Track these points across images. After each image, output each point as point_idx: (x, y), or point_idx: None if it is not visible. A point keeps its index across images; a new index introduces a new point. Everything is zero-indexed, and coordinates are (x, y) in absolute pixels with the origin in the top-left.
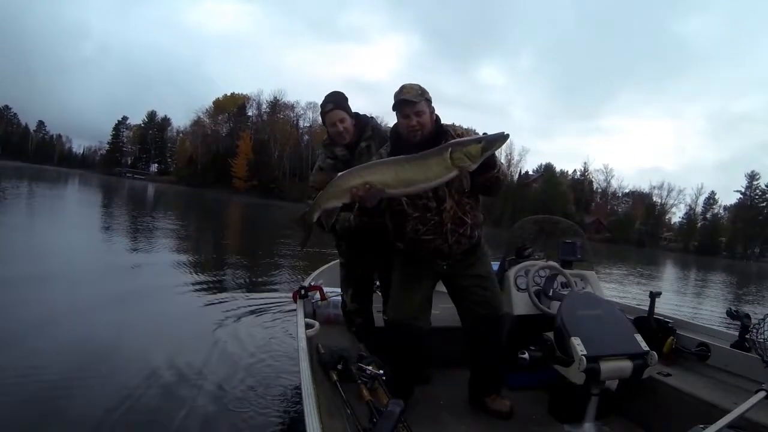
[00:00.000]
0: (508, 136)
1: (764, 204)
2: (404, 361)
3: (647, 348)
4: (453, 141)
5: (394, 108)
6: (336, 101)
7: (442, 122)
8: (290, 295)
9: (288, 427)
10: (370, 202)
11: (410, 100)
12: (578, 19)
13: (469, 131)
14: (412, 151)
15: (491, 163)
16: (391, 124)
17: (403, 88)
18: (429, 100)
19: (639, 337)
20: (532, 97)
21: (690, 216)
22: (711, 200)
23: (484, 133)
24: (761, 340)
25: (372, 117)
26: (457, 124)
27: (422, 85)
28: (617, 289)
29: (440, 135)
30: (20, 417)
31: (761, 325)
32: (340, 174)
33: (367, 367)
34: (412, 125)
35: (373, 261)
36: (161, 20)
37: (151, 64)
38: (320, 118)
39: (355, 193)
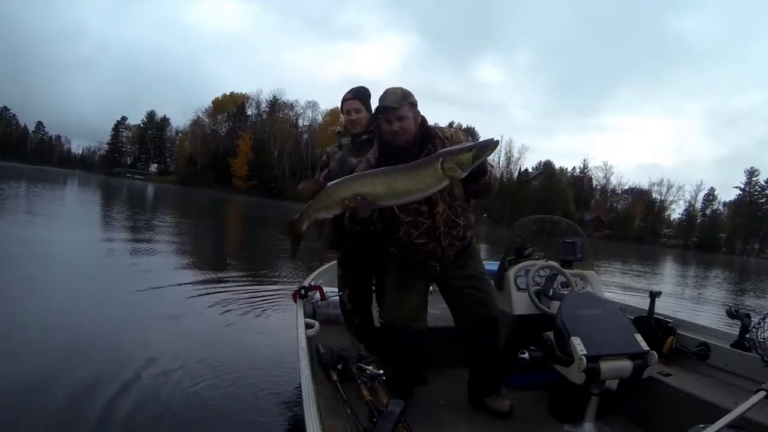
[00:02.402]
0: (498, 143)
1: (763, 200)
2: (403, 362)
3: (647, 348)
4: (443, 150)
5: (377, 113)
6: (356, 92)
7: (429, 124)
8: (290, 294)
9: (288, 427)
10: (362, 214)
11: (391, 107)
12: (576, 15)
13: (457, 132)
14: (399, 155)
15: (482, 170)
16: None
17: (386, 93)
18: (413, 104)
19: (639, 337)
20: (531, 94)
21: (689, 212)
22: (710, 197)
23: (470, 138)
24: (761, 340)
25: None
26: (447, 125)
27: (417, 87)
28: (617, 286)
29: (426, 138)
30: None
31: (761, 325)
32: (330, 184)
33: (367, 367)
34: (395, 131)
35: (370, 260)
36: (159, 19)
37: (149, 64)
38: (338, 107)
39: (347, 204)
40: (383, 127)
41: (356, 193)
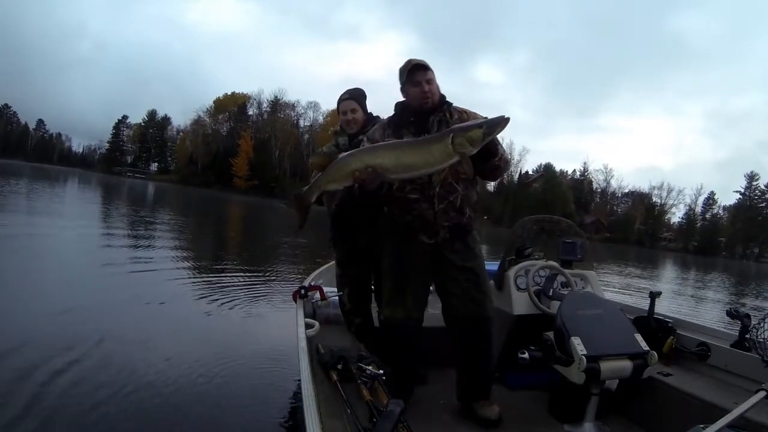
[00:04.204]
0: (509, 119)
1: (763, 204)
2: (403, 359)
3: (647, 348)
4: (455, 126)
5: (407, 77)
6: (352, 93)
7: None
8: (289, 294)
9: (288, 427)
10: (371, 185)
11: (424, 65)
12: (575, 15)
13: (477, 115)
14: (413, 124)
15: (493, 150)
16: None
17: (410, 60)
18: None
19: (639, 337)
20: (531, 95)
21: (689, 216)
22: (710, 200)
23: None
24: (761, 340)
25: (379, 117)
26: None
27: None
28: (617, 286)
29: (442, 104)
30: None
31: (761, 325)
32: (341, 156)
33: (367, 367)
34: (425, 91)
35: (369, 259)
36: (158, 19)
37: (150, 63)
38: (336, 106)
39: (357, 176)
40: (411, 92)
41: (366, 164)
